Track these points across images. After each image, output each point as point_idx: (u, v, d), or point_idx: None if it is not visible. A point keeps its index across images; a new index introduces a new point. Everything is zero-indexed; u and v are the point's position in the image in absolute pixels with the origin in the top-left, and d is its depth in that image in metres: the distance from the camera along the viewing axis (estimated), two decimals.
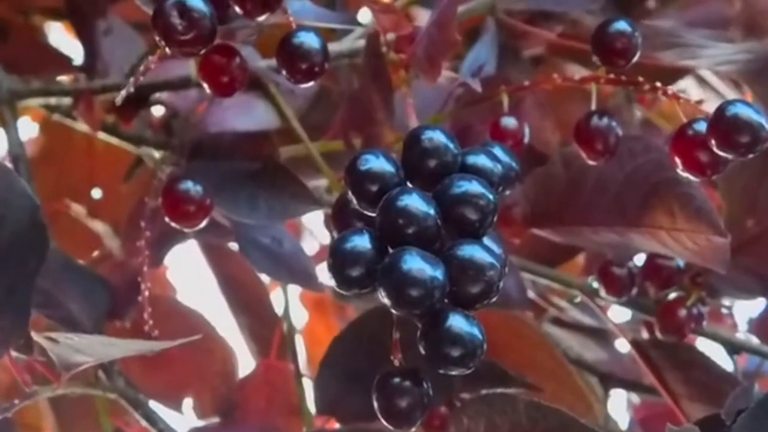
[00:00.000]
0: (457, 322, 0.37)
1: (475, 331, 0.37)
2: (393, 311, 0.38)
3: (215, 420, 0.60)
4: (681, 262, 0.62)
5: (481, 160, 0.42)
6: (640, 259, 0.64)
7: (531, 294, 0.73)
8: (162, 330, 0.55)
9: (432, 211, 0.39)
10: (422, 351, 0.38)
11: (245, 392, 0.60)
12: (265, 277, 0.78)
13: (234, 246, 0.75)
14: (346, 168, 0.41)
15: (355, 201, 0.41)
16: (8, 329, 0.44)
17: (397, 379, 0.39)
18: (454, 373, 0.38)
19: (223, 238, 0.64)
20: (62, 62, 0.89)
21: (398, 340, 0.40)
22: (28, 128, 1.01)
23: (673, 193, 0.53)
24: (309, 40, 0.46)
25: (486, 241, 0.40)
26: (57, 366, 0.44)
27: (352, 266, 0.38)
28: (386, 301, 0.37)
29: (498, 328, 0.65)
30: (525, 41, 0.90)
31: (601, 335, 0.88)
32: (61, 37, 1.01)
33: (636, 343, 0.64)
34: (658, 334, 0.62)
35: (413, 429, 0.40)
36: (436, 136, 0.41)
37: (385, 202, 0.39)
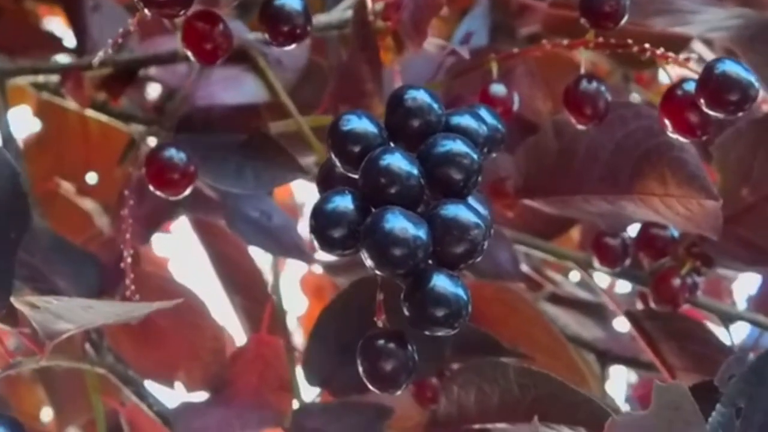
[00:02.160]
0: (441, 282, 0.37)
1: (460, 291, 0.37)
2: (377, 273, 0.37)
3: (206, 395, 0.60)
4: (675, 232, 0.62)
5: (465, 121, 0.42)
6: (634, 231, 0.64)
7: (525, 268, 0.72)
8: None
9: (415, 171, 0.38)
10: (406, 312, 0.37)
11: (236, 368, 0.60)
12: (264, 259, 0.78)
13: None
14: (328, 129, 0.41)
15: (337, 163, 0.40)
16: None
17: (381, 342, 0.38)
18: (439, 334, 0.37)
19: (212, 213, 0.64)
20: (53, 43, 0.88)
21: (382, 302, 0.39)
22: (26, 117, 1.00)
23: (665, 159, 0.53)
24: (291, 2, 0.45)
25: (471, 201, 0.39)
26: (40, 335, 0.43)
27: (334, 227, 0.38)
28: (369, 262, 0.37)
29: (492, 301, 0.64)
30: (520, 19, 0.90)
31: (599, 314, 0.87)
32: (59, 27, 1.00)
33: (630, 314, 0.63)
34: (653, 305, 0.61)
35: (399, 392, 0.39)
36: (420, 96, 0.40)
37: (367, 162, 0.38)
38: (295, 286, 1.57)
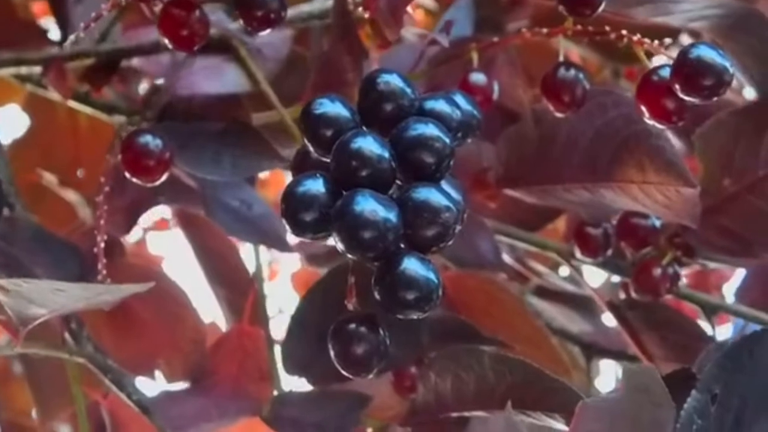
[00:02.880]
0: (412, 265, 0.36)
1: (431, 274, 0.37)
2: (348, 256, 0.37)
3: (185, 385, 0.59)
4: (657, 222, 0.62)
5: (439, 105, 0.41)
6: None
7: (509, 260, 0.72)
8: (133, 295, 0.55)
9: (386, 154, 0.38)
10: (377, 296, 0.37)
11: (216, 358, 0.60)
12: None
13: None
14: (301, 113, 0.40)
15: (310, 146, 0.40)
16: None
17: (352, 326, 0.38)
18: (411, 317, 0.37)
19: (192, 203, 0.63)
20: (37, 35, 0.88)
21: (354, 286, 0.39)
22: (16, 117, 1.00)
23: (643, 146, 0.53)
24: None
25: (443, 185, 0.39)
26: (14, 321, 0.43)
27: (305, 210, 0.37)
28: (339, 245, 0.37)
29: (474, 292, 0.64)
30: (509, 14, 0.90)
31: (587, 307, 0.87)
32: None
33: (612, 305, 0.63)
34: (634, 294, 0.61)
35: (371, 376, 0.39)
36: (393, 80, 0.40)
37: (338, 145, 0.38)
38: (287, 283, 1.57)
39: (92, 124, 0.95)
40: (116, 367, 0.57)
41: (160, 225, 1.45)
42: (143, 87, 0.82)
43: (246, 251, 0.81)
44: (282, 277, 1.67)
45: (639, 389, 0.35)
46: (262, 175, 0.95)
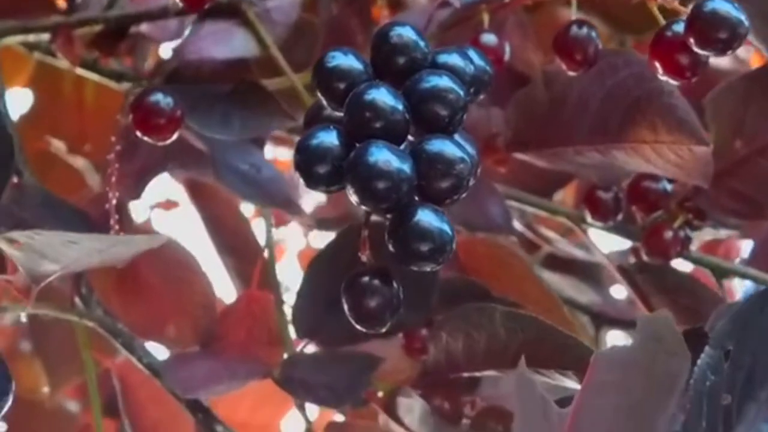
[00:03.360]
0: (426, 216, 0.36)
1: (445, 226, 0.37)
2: (362, 208, 0.37)
3: (195, 349, 0.59)
4: (668, 186, 0.61)
5: (452, 59, 0.41)
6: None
7: (519, 226, 0.72)
8: (142, 259, 0.54)
9: (400, 105, 0.38)
10: (391, 248, 0.37)
11: (227, 322, 0.60)
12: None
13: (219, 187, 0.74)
14: (314, 67, 0.40)
15: (323, 100, 0.40)
16: None
17: (365, 279, 0.38)
18: (425, 269, 0.37)
19: (201, 167, 0.63)
20: (44, 3, 0.88)
21: (367, 238, 0.39)
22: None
23: (655, 105, 0.52)
24: None
25: (457, 137, 0.39)
26: (26, 278, 0.43)
27: (319, 162, 0.37)
28: (353, 197, 0.36)
29: (484, 257, 0.64)
30: None
31: (595, 278, 0.87)
32: None
33: (622, 269, 0.63)
34: (644, 258, 0.61)
35: (383, 330, 0.39)
36: (405, 33, 0.40)
37: (351, 97, 0.38)
38: (294, 260, 1.57)
39: (98, 98, 0.95)
40: (126, 330, 0.57)
41: (166, 206, 1.45)
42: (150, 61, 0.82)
43: (255, 225, 0.81)
44: (288, 256, 1.67)
45: (653, 338, 0.35)
46: (270, 155, 0.94)
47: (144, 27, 0.66)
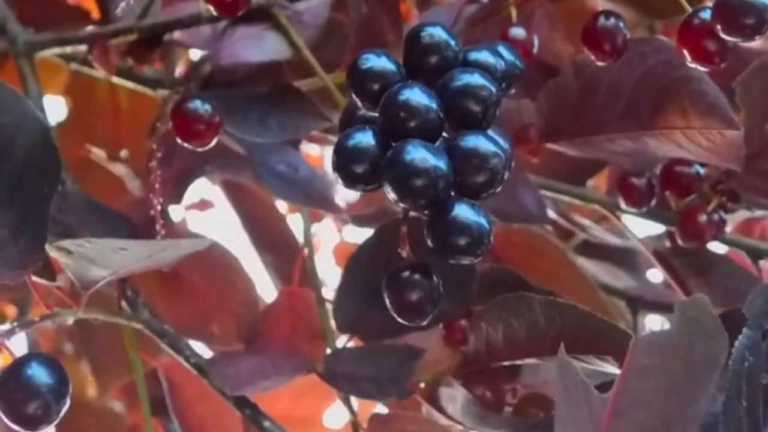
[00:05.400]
0: (463, 211, 0.37)
1: (482, 219, 0.37)
2: (401, 205, 0.38)
3: (240, 346, 0.61)
4: (700, 169, 0.62)
5: (483, 56, 0.42)
6: None
7: (553, 215, 0.72)
8: (185, 261, 0.56)
9: (434, 104, 0.39)
10: (430, 243, 0.38)
11: (269, 320, 0.61)
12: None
13: (255, 186, 0.75)
14: (348, 69, 0.41)
15: (358, 101, 0.41)
16: (26, 252, 0.45)
17: (406, 273, 0.39)
18: (464, 262, 0.38)
19: (240, 170, 0.65)
20: (79, 15, 0.90)
21: (407, 236, 0.40)
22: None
23: (685, 91, 0.53)
24: None
25: (490, 132, 0.40)
26: (76, 285, 0.44)
27: (357, 162, 0.38)
28: (391, 195, 0.38)
29: (519, 246, 0.65)
30: None
31: (631, 263, 0.87)
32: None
33: (658, 253, 0.63)
34: (680, 242, 0.62)
35: (425, 322, 0.40)
36: (437, 32, 0.41)
37: (386, 98, 0.39)
38: (329, 256, 1.58)
39: (133, 105, 0.96)
40: (172, 331, 0.58)
41: (201, 206, 1.46)
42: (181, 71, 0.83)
43: (292, 221, 0.82)
44: (324, 252, 1.68)
45: (691, 321, 0.36)
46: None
47: (177, 34, 0.67)
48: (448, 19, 0.63)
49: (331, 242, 1.61)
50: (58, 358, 1.08)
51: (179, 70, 0.84)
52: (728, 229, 0.64)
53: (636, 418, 0.36)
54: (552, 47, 0.62)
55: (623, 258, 0.86)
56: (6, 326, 0.42)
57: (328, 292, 0.65)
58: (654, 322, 1.02)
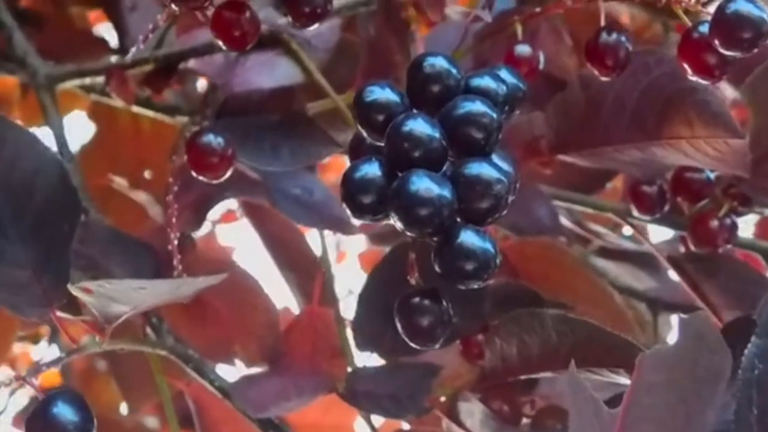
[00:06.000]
0: (468, 237, 0.38)
1: (488, 245, 0.38)
2: (407, 234, 0.39)
3: (263, 368, 0.62)
4: (710, 174, 0.62)
5: (484, 82, 0.43)
6: None
7: (568, 224, 0.73)
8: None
9: (437, 133, 0.40)
10: (437, 269, 0.39)
11: (290, 340, 0.62)
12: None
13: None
14: (353, 101, 0.42)
15: (364, 132, 0.42)
16: (49, 290, 0.46)
17: (416, 299, 0.40)
18: (472, 286, 0.39)
19: (256, 194, 0.66)
20: (99, 45, 0.92)
21: (415, 261, 0.41)
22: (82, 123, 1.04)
23: (689, 102, 0.53)
24: None
25: (494, 158, 0.41)
26: (99, 320, 0.46)
27: (364, 194, 0.40)
28: (398, 224, 0.39)
29: (534, 258, 0.65)
30: None
31: (651, 264, 0.88)
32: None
33: (672, 259, 0.64)
34: (692, 247, 0.62)
35: (437, 346, 0.41)
36: (438, 62, 0.42)
37: (390, 129, 0.40)
38: (355, 265, 1.60)
39: (154, 126, 0.98)
40: (196, 356, 0.60)
41: (228, 217, 1.48)
42: (201, 84, 0.85)
43: (312, 236, 0.84)
44: (350, 259, 1.69)
45: (694, 337, 0.36)
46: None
47: (192, 63, 0.68)
48: (454, 38, 0.64)
49: (356, 250, 1.62)
50: (91, 375, 1.10)
51: (201, 86, 0.85)
52: (748, 232, 0.64)
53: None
54: (559, 61, 0.63)
55: (642, 259, 0.87)
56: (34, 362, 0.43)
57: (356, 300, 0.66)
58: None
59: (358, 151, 0.47)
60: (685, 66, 0.47)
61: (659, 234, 0.80)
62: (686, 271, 0.63)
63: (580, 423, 0.39)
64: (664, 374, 0.37)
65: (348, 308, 0.76)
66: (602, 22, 0.53)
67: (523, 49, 0.57)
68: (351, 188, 0.40)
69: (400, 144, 0.39)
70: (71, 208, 0.47)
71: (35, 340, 1.39)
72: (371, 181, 0.40)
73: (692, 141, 0.54)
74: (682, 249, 0.66)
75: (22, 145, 0.45)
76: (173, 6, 0.46)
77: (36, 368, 0.42)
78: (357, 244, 1.58)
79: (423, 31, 0.72)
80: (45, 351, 1.34)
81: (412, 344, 0.40)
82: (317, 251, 0.77)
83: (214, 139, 0.55)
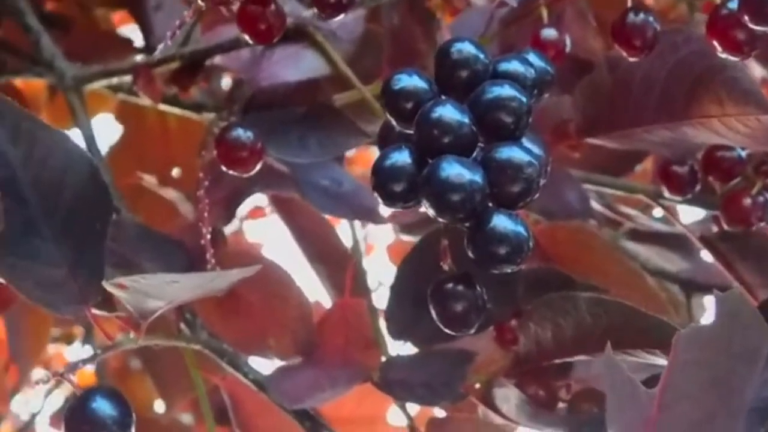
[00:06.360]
0: (501, 221, 0.38)
1: (520, 228, 0.38)
2: (440, 220, 0.39)
3: (297, 360, 0.62)
4: (742, 152, 0.62)
5: (513, 66, 0.43)
6: None
7: (599, 207, 0.73)
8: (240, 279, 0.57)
9: (466, 119, 0.39)
10: (471, 254, 0.39)
11: (323, 332, 0.62)
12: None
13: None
14: (381, 90, 0.42)
15: (393, 120, 0.42)
16: (85, 288, 0.46)
17: (449, 285, 0.40)
18: (506, 270, 0.39)
19: (285, 187, 0.66)
20: (124, 45, 0.92)
21: (448, 248, 0.41)
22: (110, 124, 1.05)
23: (719, 80, 0.53)
24: None
25: (524, 141, 0.41)
26: (134, 315, 0.46)
27: (395, 182, 0.40)
28: (430, 211, 0.39)
29: (565, 242, 0.65)
30: None
31: (683, 245, 0.87)
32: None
33: (704, 239, 0.64)
34: (725, 227, 0.62)
35: (471, 332, 0.41)
36: (465, 47, 0.42)
37: (419, 116, 0.40)
38: (384, 257, 1.60)
39: (181, 123, 0.99)
40: (230, 349, 0.60)
41: (255, 213, 1.48)
42: (226, 82, 0.85)
43: (341, 228, 0.84)
44: (378, 251, 1.69)
45: (730, 315, 0.36)
46: (350, 153, 0.97)
47: (218, 59, 0.68)
48: (480, 23, 0.64)
49: (384, 242, 1.62)
50: (126, 374, 1.11)
51: (226, 83, 0.85)
52: None
53: (682, 411, 0.37)
54: (585, 43, 0.63)
55: (675, 240, 0.86)
56: (69, 361, 0.43)
57: (386, 292, 0.66)
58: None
59: (387, 140, 0.47)
60: (714, 43, 0.47)
61: (690, 214, 0.80)
62: (719, 251, 0.62)
63: (617, 405, 0.39)
64: (700, 353, 0.37)
65: (379, 299, 0.76)
66: (629, 3, 0.53)
67: (549, 33, 0.57)
68: (382, 176, 0.40)
69: (429, 131, 0.39)
70: (103, 204, 0.47)
71: (69, 341, 1.40)
72: (402, 169, 0.39)
73: (723, 119, 0.54)
74: (715, 229, 0.66)
75: (53, 143, 0.45)
76: (199, 2, 0.46)
77: (73, 365, 0.43)
78: (385, 236, 1.58)
79: (448, 19, 0.72)
80: (79, 352, 1.35)
81: (446, 330, 0.40)
82: (347, 243, 0.78)
83: (243, 134, 0.55)
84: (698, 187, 0.64)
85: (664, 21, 0.79)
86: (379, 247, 1.68)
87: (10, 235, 0.45)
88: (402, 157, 0.40)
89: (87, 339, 1.23)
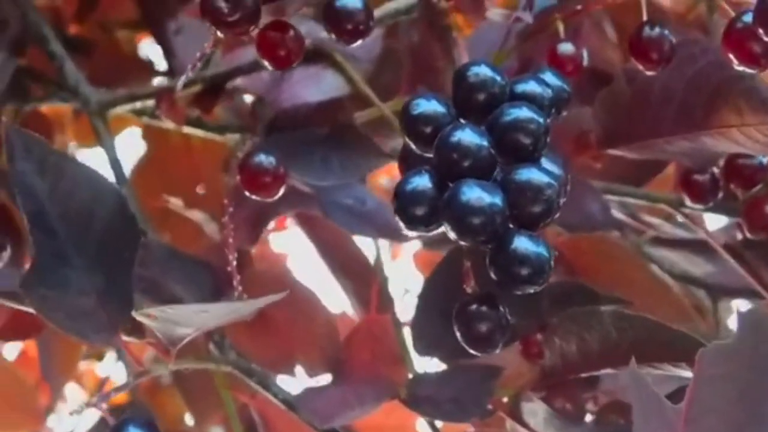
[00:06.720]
0: (522, 243, 0.39)
1: (541, 249, 0.39)
2: (461, 243, 0.40)
3: (326, 377, 0.63)
4: (763, 159, 0.62)
5: (530, 87, 0.43)
6: None
7: (622, 216, 0.73)
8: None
9: (485, 142, 0.40)
10: (493, 276, 0.39)
11: (350, 348, 0.63)
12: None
13: None
14: (400, 115, 0.43)
15: (412, 145, 0.43)
16: (114, 316, 0.47)
17: (473, 306, 0.41)
18: (528, 291, 0.39)
19: (309, 206, 0.67)
20: (146, 69, 0.93)
21: (470, 269, 0.41)
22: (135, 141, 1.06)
23: (737, 90, 0.53)
24: (351, 1, 0.48)
25: (543, 162, 0.41)
26: (164, 342, 0.47)
27: (416, 206, 0.40)
28: (451, 234, 0.39)
29: (589, 253, 0.66)
30: None
31: (708, 250, 0.87)
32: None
33: (728, 247, 0.64)
34: (747, 233, 0.62)
35: (497, 351, 0.41)
36: (482, 71, 0.42)
37: (439, 141, 0.40)
38: (410, 263, 1.60)
39: (205, 142, 0.99)
40: (259, 369, 0.60)
41: (280, 225, 1.49)
42: (249, 97, 0.86)
43: (365, 241, 0.84)
44: (405, 257, 1.69)
45: (753, 328, 0.37)
46: None
47: (239, 81, 0.69)
48: (496, 39, 0.64)
49: (411, 248, 1.62)
50: (156, 389, 1.11)
51: (249, 97, 0.86)
52: None
53: (708, 425, 0.38)
54: (603, 55, 0.63)
55: (699, 245, 0.86)
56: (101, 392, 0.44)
57: (413, 299, 0.66)
58: (742, 305, 1.01)
59: (407, 163, 0.48)
60: (730, 56, 0.47)
61: (714, 222, 0.80)
62: (744, 258, 0.62)
63: (644, 419, 0.39)
64: (724, 367, 0.37)
65: (405, 308, 0.77)
66: (644, 16, 0.53)
67: (566, 48, 0.57)
68: (403, 201, 0.40)
69: (449, 155, 0.40)
70: (131, 234, 0.48)
71: (100, 357, 1.41)
72: (422, 193, 0.40)
73: (742, 129, 0.54)
74: (739, 236, 0.66)
75: (80, 176, 0.46)
76: (218, 34, 0.47)
77: (105, 394, 0.43)
78: (411, 243, 1.58)
79: (465, 32, 0.72)
80: (111, 366, 1.36)
81: (472, 351, 0.41)
82: (370, 254, 0.78)
83: (265, 159, 0.56)
84: (720, 195, 0.64)
85: (682, 22, 0.79)
86: (406, 252, 1.69)
87: (40, 266, 0.46)
88: (422, 182, 0.40)
89: (120, 355, 1.25)
